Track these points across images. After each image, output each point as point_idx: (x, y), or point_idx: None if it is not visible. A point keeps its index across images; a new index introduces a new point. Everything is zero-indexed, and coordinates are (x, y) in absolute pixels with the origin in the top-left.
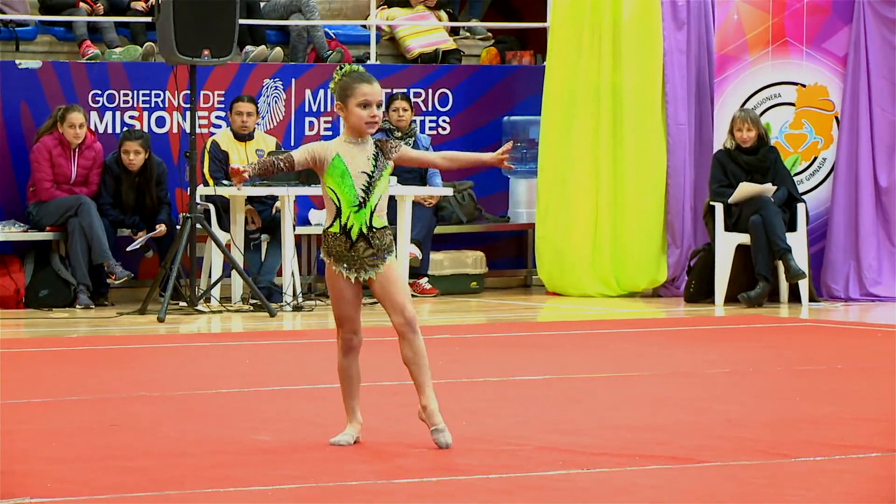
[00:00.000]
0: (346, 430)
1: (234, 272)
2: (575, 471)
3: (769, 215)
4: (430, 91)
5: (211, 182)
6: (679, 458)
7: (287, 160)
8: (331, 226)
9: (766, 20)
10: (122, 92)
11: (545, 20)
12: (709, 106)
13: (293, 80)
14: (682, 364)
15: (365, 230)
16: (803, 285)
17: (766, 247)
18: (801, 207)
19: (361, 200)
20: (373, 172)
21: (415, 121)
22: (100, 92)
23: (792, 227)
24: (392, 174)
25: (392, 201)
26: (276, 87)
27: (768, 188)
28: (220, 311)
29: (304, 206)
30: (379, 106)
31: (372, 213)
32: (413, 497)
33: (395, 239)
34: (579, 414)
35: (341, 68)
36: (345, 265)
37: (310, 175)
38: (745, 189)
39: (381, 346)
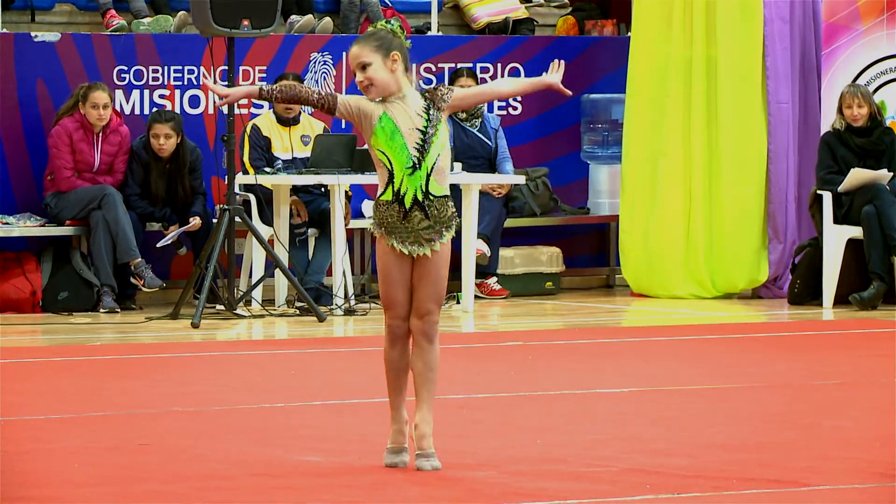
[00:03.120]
0: (394, 446)
1: (277, 271)
2: (665, 495)
3: (884, 205)
4: (499, 66)
5: (252, 171)
6: (783, 482)
7: (326, 98)
8: (383, 193)
9: None
10: (151, 68)
11: None
12: (815, 82)
13: (344, 53)
14: (785, 375)
15: (420, 197)
16: None
17: (881, 241)
18: None
19: (416, 161)
20: (426, 128)
21: None
22: (126, 68)
23: None
24: (456, 160)
25: (457, 191)
26: (325, 61)
27: (884, 174)
28: (263, 316)
29: (357, 196)
30: (363, 68)
31: (428, 177)
32: None
33: (458, 214)
34: (669, 432)
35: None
36: (396, 238)
37: (364, 162)
38: (857, 176)
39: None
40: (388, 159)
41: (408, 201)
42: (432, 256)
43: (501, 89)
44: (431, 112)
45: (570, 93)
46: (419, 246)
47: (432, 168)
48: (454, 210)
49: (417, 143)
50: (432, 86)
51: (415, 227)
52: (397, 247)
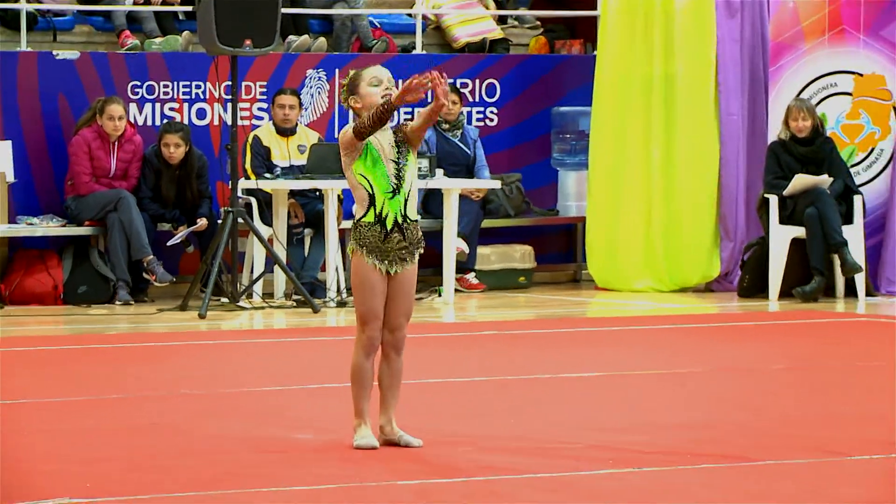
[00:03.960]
0: (365, 432)
1: (276, 267)
2: (625, 470)
3: (825, 207)
4: (477, 81)
5: (253, 177)
6: (732, 457)
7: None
8: (364, 216)
9: (822, 7)
10: (161, 83)
11: (595, 8)
12: (763, 96)
13: (337, 70)
14: (735, 360)
15: (400, 220)
16: (860, 279)
17: (821, 240)
18: (857, 199)
19: (395, 187)
20: (398, 159)
21: (462, 112)
22: (139, 83)
23: (848, 219)
24: (438, 167)
25: (438, 195)
26: (320, 77)
27: (824, 180)
28: (263, 308)
29: (349, 199)
30: (390, 80)
31: (406, 202)
32: (461, 497)
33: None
34: (630, 412)
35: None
36: (377, 257)
37: None
38: (800, 181)
39: (430, 342)
40: (370, 183)
41: (389, 223)
42: (406, 274)
43: (414, 123)
44: (402, 147)
45: (443, 102)
46: (395, 264)
47: (408, 194)
48: (422, 234)
49: (395, 171)
50: (400, 124)
51: (393, 248)
52: (377, 265)
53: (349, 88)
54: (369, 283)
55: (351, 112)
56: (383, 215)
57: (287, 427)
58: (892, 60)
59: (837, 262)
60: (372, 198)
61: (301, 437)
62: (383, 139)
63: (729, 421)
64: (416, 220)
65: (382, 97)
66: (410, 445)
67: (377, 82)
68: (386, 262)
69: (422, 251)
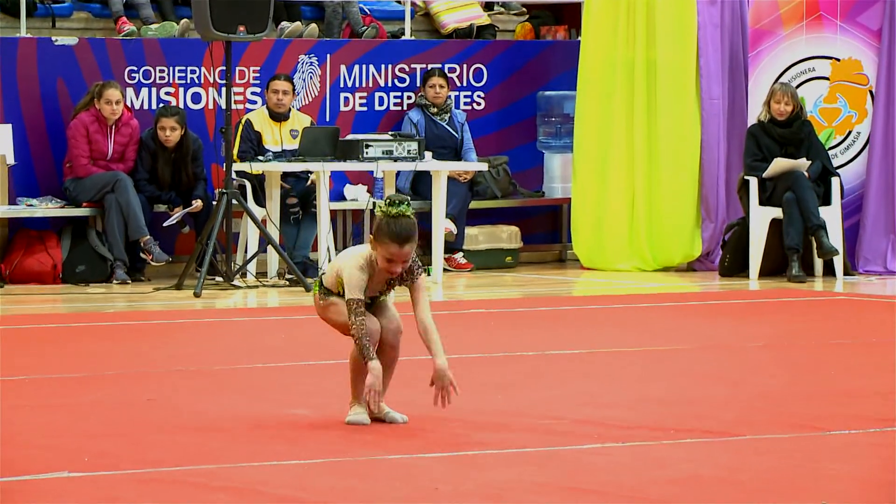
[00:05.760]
0: (358, 410)
1: (269, 247)
2: (610, 444)
3: (802, 191)
4: (464, 66)
5: (237, 161)
6: (714, 432)
7: (363, 314)
8: (338, 294)
9: None
10: (157, 68)
11: None
12: (742, 80)
13: (328, 55)
14: (717, 338)
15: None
16: (837, 259)
17: (799, 221)
18: (835, 181)
19: (368, 303)
20: (385, 290)
21: (450, 96)
22: (136, 68)
23: (826, 201)
24: (427, 149)
25: (427, 177)
26: (312, 63)
27: (803, 163)
28: (256, 287)
29: (339, 181)
30: (404, 262)
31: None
32: (450, 470)
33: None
34: (615, 388)
35: (389, 202)
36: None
37: (346, 151)
38: (779, 164)
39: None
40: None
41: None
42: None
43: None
44: (393, 283)
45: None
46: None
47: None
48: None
49: (376, 294)
50: (412, 268)
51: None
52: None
53: (376, 229)
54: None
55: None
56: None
57: (282, 403)
58: (869, 46)
59: (815, 246)
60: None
61: (295, 413)
62: (378, 277)
63: (712, 396)
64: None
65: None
66: (395, 422)
67: (390, 261)
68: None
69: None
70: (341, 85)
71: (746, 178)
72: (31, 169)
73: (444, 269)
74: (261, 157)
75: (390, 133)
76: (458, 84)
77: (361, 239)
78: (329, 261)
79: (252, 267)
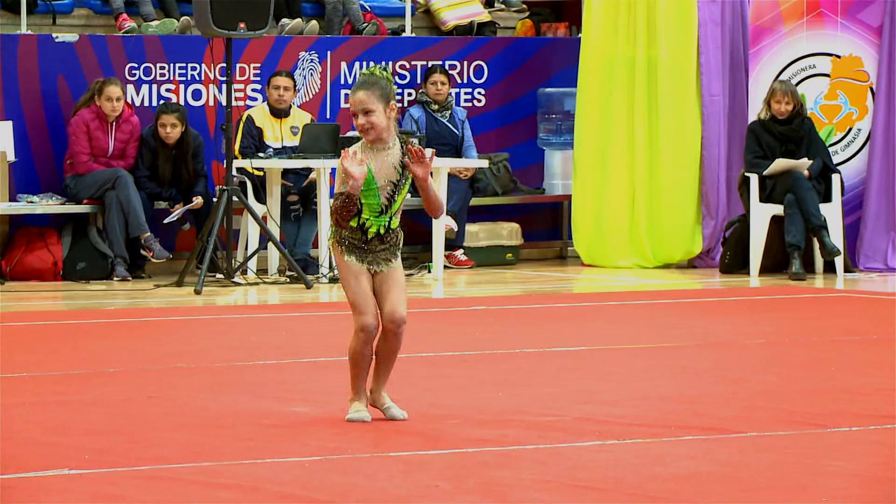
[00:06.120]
0: (358, 407)
1: (270, 244)
2: (611, 441)
3: (802, 192)
4: (465, 63)
5: (239, 157)
6: (715, 429)
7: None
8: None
9: None
10: (158, 65)
11: None
12: (743, 77)
13: (329, 52)
14: (717, 335)
15: (382, 231)
16: (838, 257)
17: (799, 219)
18: (835, 178)
19: (384, 208)
20: (398, 181)
21: (451, 93)
22: (136, 65)
23: (827, 198)
24: (427, 146)
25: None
26: (312, 59)
27: (804, 164)
28: (257, 284)
29: None
30: (366, 113)
31: (391, 218)
32: (450, 467)
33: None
34: (615, 385)
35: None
36: (356, 256)
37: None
38: (780, 164)
39: (420, 317)
40: (360, 201)
41: (370, 234)
42: (390, 271)
43: (422, 188)
44: (404, 170)
45: (419, 173)
46: (376, 265)
47: (395, 211)
48: (402, 236)
49: (388, 193)
50: (415, 146)
51: (374, 250)
52: (356, 263)
53: (386, 95)
54: (352, 273)
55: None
56: (366, 227)
57: (282, 400)
58: (869, 42)
59: (817, 247)
60: (359, 211)
61: (296, 410)
62: (387, 160)
63: (711, 394)
64: (398, 228)
65: (361, 131)
66: (395, 418)
67: (353, 115)
68: (365, 262)
69: (400, 252)
70: (342, 82)
71: (747, 175)
72: (31, 166)
73: (445, 266)
74: (261, 154)
75: None
76: (459, 81)
77: None
78: (330, 258)
79: (253, 264)
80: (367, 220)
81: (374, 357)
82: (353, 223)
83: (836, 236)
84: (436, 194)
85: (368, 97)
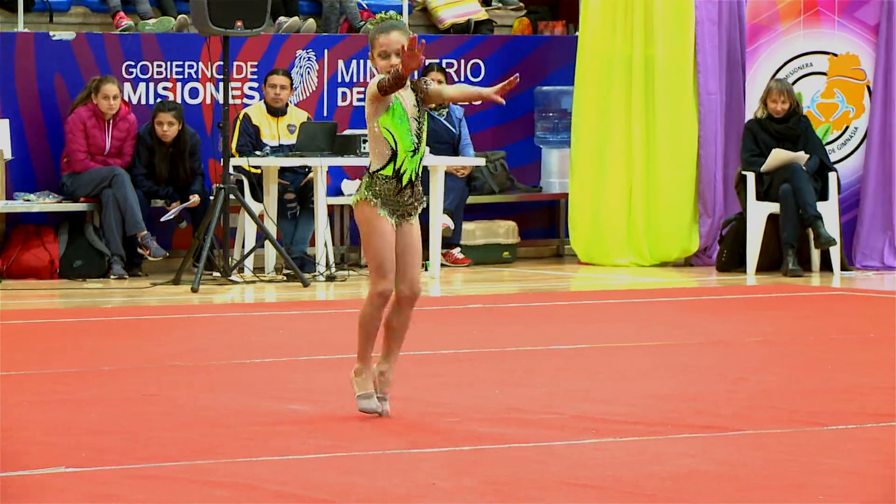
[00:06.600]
0: (367, 385)
1: (267, 242)
2: (608, 440)
3: (799, 183)
4: (462, 62)
5: (237, 156)
6: (713, 427)
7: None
8: (382, 168)
9: None
10: (155, 63)
11: None
12: (740, 76)
13: (326, 51)
14: (714, 333)
15: (414, 177)
16: (835, 254)
17: (795, 215)
18: (832, 176)
19: (415, 145)
20: (419, 118)
21: None
22: (133, 63)
23: (823, 196)
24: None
25: (424, 172)
26: (309, 58)
27: (801, 155)
28: (254, 282)
29: (336, 176)
30: (398, 54)
31: (420, 160)
32: (447, 465)
33: (427, 193)
34: (612, 383)
35: (379, 18)
36: (389, 209)
37: (343, 146)
38: (777, 156)
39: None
40: (394, 139)
41: (405, 179)
42: (412, 228)
43: (451, 93)
44: (420, 106)
45: (502, 101)
46: (404, 217)
47: (424, 154)
48: (423, 192)
49: (416, 131)
50: (416, 79)
51: (404, 202)
52: (388, 217)
53: (370, 44)
54: (382, 233)
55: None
56: (401, 171)
57: (279, 399)
58: (866, 41)
59: (812, 237)
60: (394, 153)
61: (293, 408)
62: (407, 97)
63: (708, 392)
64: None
65: (389, 71)
66: (377, 411)
67: (385, 56)
68: (395, 215)
69: (424, 206)
70: (339, 80)
71: (744, 173)
72: (28, 164)
73: (442, 265)
74: (258, 152)
75: None
76: (456, 79)
77: (359, 235)
78: (327, 256)
79: (249, 262)
80: (402, 162)
81: (385, 330)
82: (389, 171)
83: (833, 234)
84: (459, 91)
85: (402, 37)
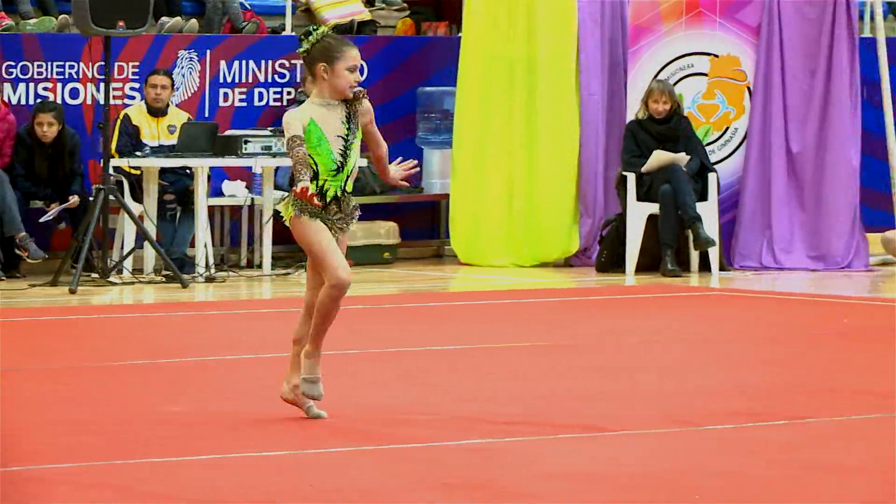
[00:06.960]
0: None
1: (146, 243)
2: (489, 440)
3: (679, 184)
4: None
5: (117, 156)
6: (590, 427)
7: (301, 145)
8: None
9: None
10: (35, 63)
11: None
12: (622, 76)
13: (208, 51)
14: (594, 334)
15: (339, 194)
16: (713, 254)
17: (674, 216)
18: (712, 177)
19: (339, 165)
20: (347, 136)
21: None
22: (13, 63)
23: (703, 196)
24: None
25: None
26: (191, 58)
27: (682, 157)
28: (133, 283)
29: (217, 177)
30: (357, 70)
31: (347, 178)
32: (324, 466)
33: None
34: (493, 384)
35: (314, 30)
36: (318, 220)
37: (224, 147)
38: (658, 157)
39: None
40: (314, 161)
41: (328, 196)
42: (341, 240)
43: (377, 152)
44: (352, 121)
45: (406, 185)
46: (334, 231)
47: (352, 170)
48: (356, 204)
49: (340, 149)
50: (357, 91)
51: (331, 217)
52: (321, 223)
53: (322, 55)
54: (318, 230)
55: (307, 76)
56: (324, 190)
57: (157, 401)
58: (748, 42)
59: (691, 238)
60: (316, 174)
61: (170, 410)
62: (331, 115)
63: (587, 392)
64: (351, 192)
65: (351, 88)
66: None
67: (353, 69)
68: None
69: (356, 220)
70: (221, 80)
71: (624, 173)
72: None
73: None
74: (138, 153)
75: (269, 129)
76: None
77: (239, 236)
78: (207, 257)
79: (129, 263)
80: (324, 181)
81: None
82: (312, 187)
83: (712, 235)
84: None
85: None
